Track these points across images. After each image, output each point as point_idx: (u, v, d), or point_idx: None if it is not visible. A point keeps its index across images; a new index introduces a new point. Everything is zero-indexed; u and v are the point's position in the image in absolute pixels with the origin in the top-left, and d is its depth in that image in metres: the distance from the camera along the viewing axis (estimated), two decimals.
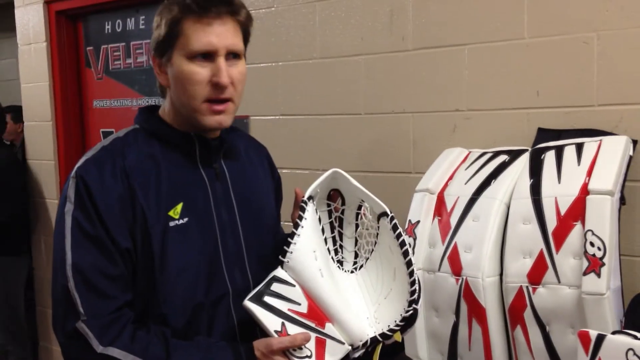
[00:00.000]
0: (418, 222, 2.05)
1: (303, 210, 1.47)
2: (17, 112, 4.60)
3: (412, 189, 2.14)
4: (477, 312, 1.85)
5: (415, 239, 2.03)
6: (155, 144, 1.48)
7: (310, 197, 1.49)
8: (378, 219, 1.54)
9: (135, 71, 3.57)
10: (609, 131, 1.94)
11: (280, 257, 1.43)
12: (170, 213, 1.42)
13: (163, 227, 1.40)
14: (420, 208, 2.07)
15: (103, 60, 3.74)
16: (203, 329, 1.44)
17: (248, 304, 1.39)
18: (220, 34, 1.41)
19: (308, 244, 1.45)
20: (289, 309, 1.41)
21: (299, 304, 1.42)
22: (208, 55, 1.41)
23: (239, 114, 2.94)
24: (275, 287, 1.42)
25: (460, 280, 1.88)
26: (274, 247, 1.62)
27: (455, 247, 1.92)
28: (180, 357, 1.36)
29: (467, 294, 1.87)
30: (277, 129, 2.85)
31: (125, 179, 1.40)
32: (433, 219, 2.04)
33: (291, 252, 1.43)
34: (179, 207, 1.43)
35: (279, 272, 1.43)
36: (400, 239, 1.47)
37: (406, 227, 2.07)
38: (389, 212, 1.51)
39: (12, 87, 5.58)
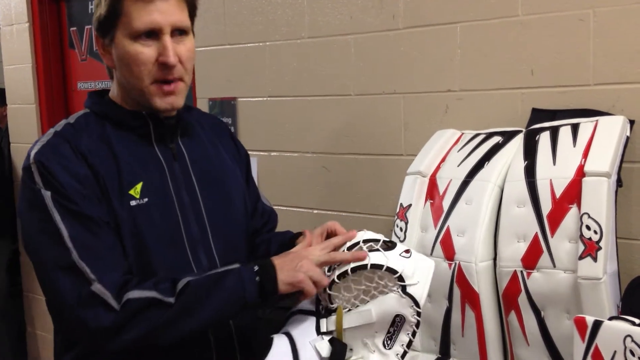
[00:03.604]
0: (410, 205, 2.01)
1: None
2: (1, 95, 4.53)
3: (403, 172, 2.10)
4: (471, 297, 1.82)
5: (406, 223, 1.99)
6: (107, 127, 1.42)
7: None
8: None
9: None
10: (606, 111, 1.90)
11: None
12: (131, 192, 1.37)
13: (126, 206, 1.36)
14: (412, 191, 2.03)
15: (87, 41, 3.67)
16: None
17: None
18: (163, 10, 1.35)
19: None
20: None
21: None
22: (152, 34, 1.35)
23: (226, 95, 2.92)
24: None
25: (453, 265, 1.85)
26: (246, 226, 1.59)
27: (448, 231, 1.89)
28: (189, 280, 1.31)
29: (460, 278, 1.83)
30: (265, 111, 2.80)
31: (85, 161, 1.35)
32: (425, 202, 2.01)
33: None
34: (139, 186, 1.38)
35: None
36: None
37: (397, 210, 2.03)
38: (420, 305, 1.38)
39: None
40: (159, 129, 1.45)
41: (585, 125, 1.83)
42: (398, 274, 1.31)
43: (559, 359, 1.72)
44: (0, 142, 4.51)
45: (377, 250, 1.35)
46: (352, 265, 1.33)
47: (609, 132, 1.77)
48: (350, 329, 1.33)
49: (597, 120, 1.83)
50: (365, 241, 1.37)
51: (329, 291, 1.35)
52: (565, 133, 1.83)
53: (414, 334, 1.32)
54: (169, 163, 1.45)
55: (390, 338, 1.32)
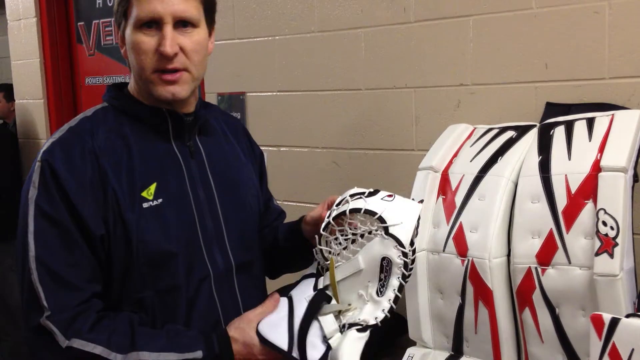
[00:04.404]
0: (421, 201, 1.99)
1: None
2: (9, 90, 4.54)
3: (415, 167, 2.08)
4: (484, 294, 1.80)
5: (418, 219, 1.97)
6: (125, 122, 1.42)
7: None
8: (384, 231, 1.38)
9: None
10: (621, 105, 1.89)
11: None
12: (144, 194, 1.36)
13: (137, 209, 1.34)
14: (424, 187, 2.00)
15: (94, 35, 3.67)
16: (182, 312, 1.39)
17: None
18: (165, 0, 1.35)
19: None
20: None
21: None
22: (155, 24, 1.35)
23: (235, 90, 2.90)
24: None
25: (466, 261, 1.82)
26: (258, 224, 1.59)
27: (461, 227, 1.87)
28: (145, 342, 1.29)
29: (473, 275, 1.81)
30: (274, 105, 2.79)
31: (95, 161, 1.34)
32: (437, 198, 1.99)
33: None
34: (153, 187, 1.37)
35: None
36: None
37: None
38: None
39: (5, 64, 5.50)
40: (178, 126, 1.44)
41: (601, 119, 1.80)
42: (378, 215, 1.32)
43: (574, 357, 1.70)
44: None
45: (359, 198, 1.37)
46: (334, 213, 1.36)
47: (625, 127, 1.75)
48: (345, 282, 1.35)
49: (612, 115, 1.80)
50: (352, 195, 1.39)
51: (318, 246, 1.38)
52: (580, 127, 1.81)
53: (403, 276, 1.31)
54: (186, 160, 1.45)
55: (383, 285, 1.32)
